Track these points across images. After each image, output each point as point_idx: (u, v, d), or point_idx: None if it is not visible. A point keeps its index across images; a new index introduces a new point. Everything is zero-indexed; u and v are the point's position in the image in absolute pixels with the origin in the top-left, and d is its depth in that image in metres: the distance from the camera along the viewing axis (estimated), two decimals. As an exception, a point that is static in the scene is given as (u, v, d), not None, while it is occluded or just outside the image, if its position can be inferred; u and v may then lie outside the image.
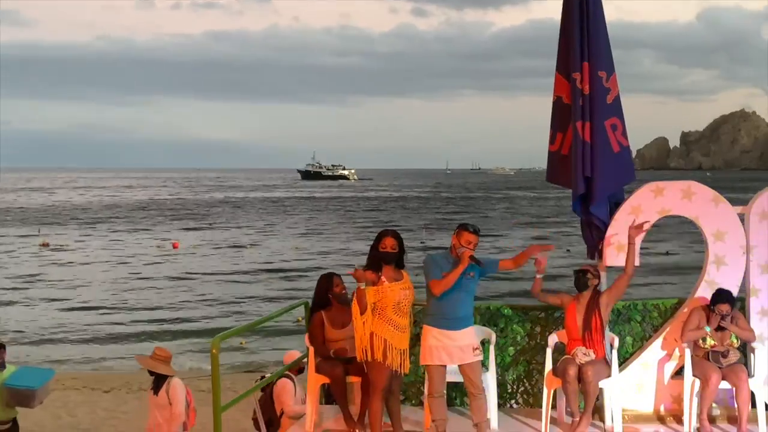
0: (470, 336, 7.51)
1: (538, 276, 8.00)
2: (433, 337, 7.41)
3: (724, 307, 7.74)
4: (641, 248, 8.20)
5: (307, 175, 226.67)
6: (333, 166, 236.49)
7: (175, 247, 50.89)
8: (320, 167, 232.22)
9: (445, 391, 7.56)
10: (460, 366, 7.47)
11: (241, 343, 22.90)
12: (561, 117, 8.52)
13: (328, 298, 8.27)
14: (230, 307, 30.53)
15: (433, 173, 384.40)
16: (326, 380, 8.19)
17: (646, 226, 8.20)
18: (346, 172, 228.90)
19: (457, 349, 7.40)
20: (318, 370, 8.19)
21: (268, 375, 9.72)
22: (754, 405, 7.70)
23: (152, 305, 30.98)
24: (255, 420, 9.39)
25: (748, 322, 8.10)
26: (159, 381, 9.18)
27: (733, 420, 7.79)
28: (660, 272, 36.78)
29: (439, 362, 7.43)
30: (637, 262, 8.15)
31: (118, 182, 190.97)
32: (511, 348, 8.83)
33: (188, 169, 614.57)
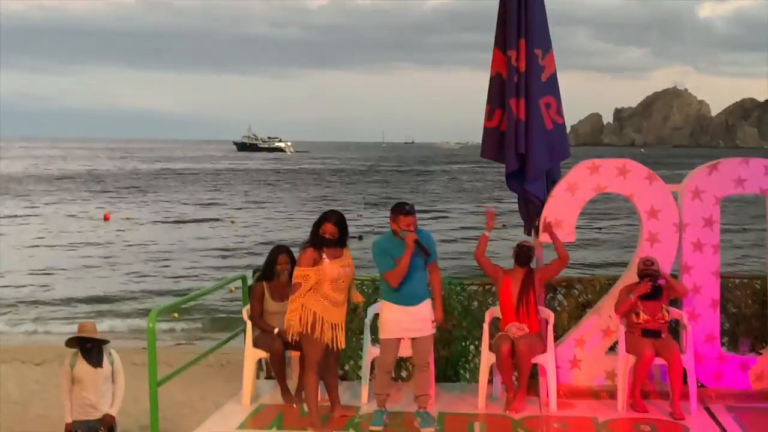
0: (428, 309, 7.46)
1: (486, 233, 8.15)
2: (391, 311, 7.37)
3: (652, 270, 7.89)
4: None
5: (243, 146, 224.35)
6: (269, 137, 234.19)
7: (106, 218, 50.02)
8: (256, 139, 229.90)
9: (393, 366, 7.55)
10: (413, 339, 7.44)
11: (174, 316, 22.57)
12: (501, 93, 8.54)
13: (273, 271, 8.21)
14: (167, 285, 29.55)
15: (369, 146, 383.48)
16: (264, 354, 8.13)
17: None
18: (282, 144, 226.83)
19: (416, 322, 7.38)
20: (256, 344, 8.12)
21: None
22: (686, 381, 7.84)
23: (84, 284, 30.20)
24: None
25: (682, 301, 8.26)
26: (97, 353, 9.02)
27: (666, 396, 7.93)
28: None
29: (397, 335, 7.41)
30: (572, 239, 8.28)
31: (51, 152, 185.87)
32: (449, 323, 8.88)
33: (122, 139, 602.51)
